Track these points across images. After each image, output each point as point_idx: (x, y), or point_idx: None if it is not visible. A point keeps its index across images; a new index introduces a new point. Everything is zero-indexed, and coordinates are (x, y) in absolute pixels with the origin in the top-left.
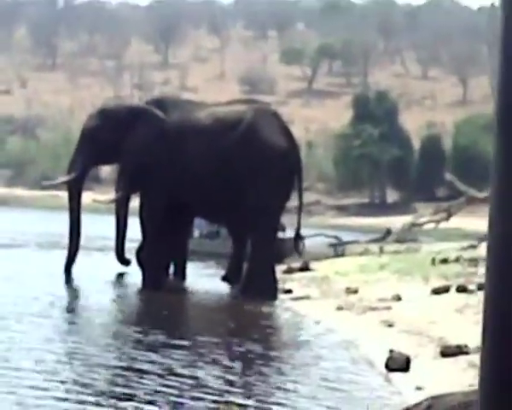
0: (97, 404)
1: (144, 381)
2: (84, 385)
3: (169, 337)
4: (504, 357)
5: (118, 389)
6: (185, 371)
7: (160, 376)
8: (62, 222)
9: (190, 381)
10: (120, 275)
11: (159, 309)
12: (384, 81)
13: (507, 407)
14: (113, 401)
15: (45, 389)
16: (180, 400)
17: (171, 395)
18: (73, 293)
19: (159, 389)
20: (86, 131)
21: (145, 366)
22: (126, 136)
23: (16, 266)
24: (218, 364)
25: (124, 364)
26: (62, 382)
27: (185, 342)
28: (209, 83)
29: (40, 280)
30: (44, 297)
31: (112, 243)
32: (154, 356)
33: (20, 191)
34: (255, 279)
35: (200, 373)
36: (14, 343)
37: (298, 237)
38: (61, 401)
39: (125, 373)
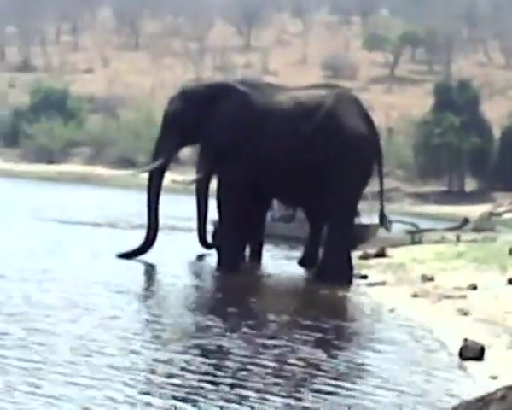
0: None
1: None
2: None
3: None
4: None
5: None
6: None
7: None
8: (142, 202)
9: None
10: (200, 256)
11: (236, 292)
12: (467, 70)
13: None
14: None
15: None
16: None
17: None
18: (150, 275)
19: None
20: (168, 115)
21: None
22: (209, 114)
23: (97, 245)
24: (290, 348)
25: (200, 345)
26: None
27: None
28: (291, 67)
29: (119, 260)
30: (125, 277)
31: (188, 223)
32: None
33: (100, 170)
34: (331, 264)
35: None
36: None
37: (383, 218)
38: None
39: (200, 353)
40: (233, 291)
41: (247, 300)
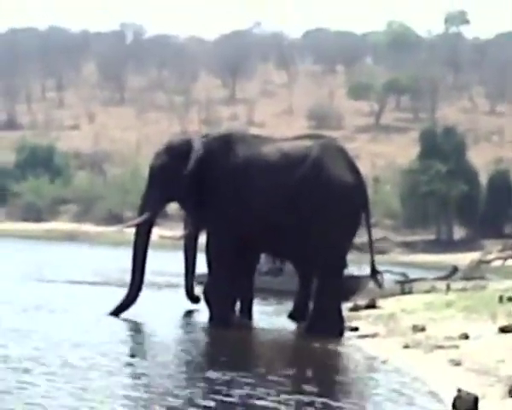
0: None
1: None
2: None
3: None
4: None
5: None
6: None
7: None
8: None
9: None
10: (189, 312)
11: (229, 348)
12: (452, 116)
13: None
14: None
15: None
16: None
17: None
18: (139, 331)
19: None
20: (154, 169)
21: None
22: None
23: (84, 303)
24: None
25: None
26: None
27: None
28: (277, 118)
29: (104, 317)
30: (112, 334)
31: (177, 279)
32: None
33: (87, 227)
34: (321, 317)
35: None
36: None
37: (375, 272)
38: None
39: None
40: (229, 346)
41: (245, 355)
